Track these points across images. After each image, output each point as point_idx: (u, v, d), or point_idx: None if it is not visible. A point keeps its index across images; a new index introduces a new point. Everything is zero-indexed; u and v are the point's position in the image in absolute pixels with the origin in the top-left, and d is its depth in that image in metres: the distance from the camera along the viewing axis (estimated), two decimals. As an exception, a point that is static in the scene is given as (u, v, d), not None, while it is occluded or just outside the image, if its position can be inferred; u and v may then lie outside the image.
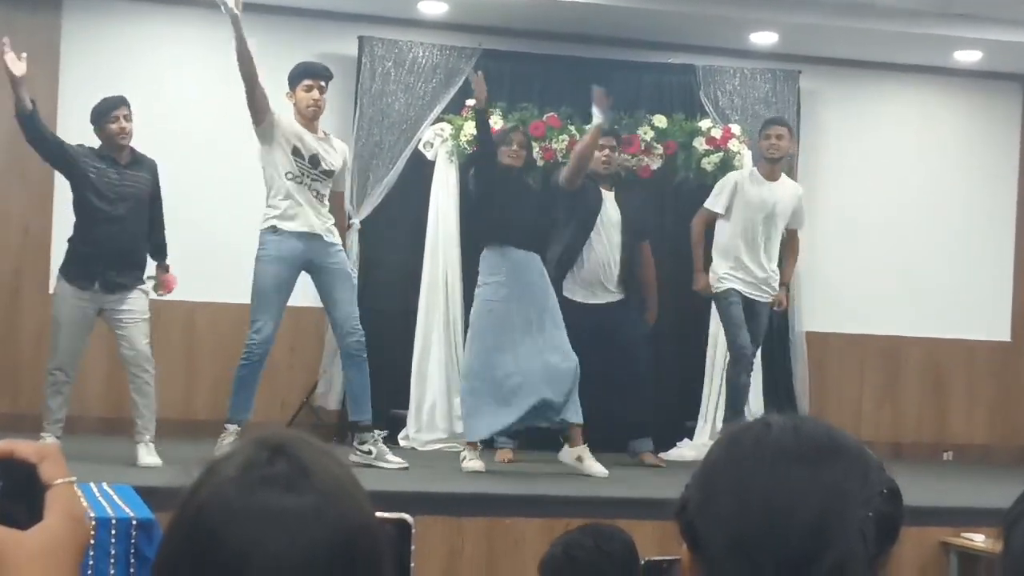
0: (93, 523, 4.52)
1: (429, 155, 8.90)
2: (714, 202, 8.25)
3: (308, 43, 8.96)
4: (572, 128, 8.93)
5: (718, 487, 1.51)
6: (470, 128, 8.79)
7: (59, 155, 6.92)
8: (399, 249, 9.00)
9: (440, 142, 8.87)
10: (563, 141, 8.89)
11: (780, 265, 8.30)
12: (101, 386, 8.58)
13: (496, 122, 8.83)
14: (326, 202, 7.15)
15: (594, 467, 7.39)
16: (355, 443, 7.21)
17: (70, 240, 6.98)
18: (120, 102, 6.98)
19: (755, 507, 1.46)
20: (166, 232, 7.16)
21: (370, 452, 7.11)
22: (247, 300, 7.70)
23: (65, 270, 6.93)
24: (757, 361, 8.90)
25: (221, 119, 8.19)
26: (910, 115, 10.09)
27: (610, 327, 7.95)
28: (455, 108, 8.97)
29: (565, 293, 7.95)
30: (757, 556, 1.44)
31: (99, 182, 6.87)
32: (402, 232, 9.03)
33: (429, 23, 9.16)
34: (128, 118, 6.95)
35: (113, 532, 4.72)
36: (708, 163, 9.13)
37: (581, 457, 7.41)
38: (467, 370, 7.50)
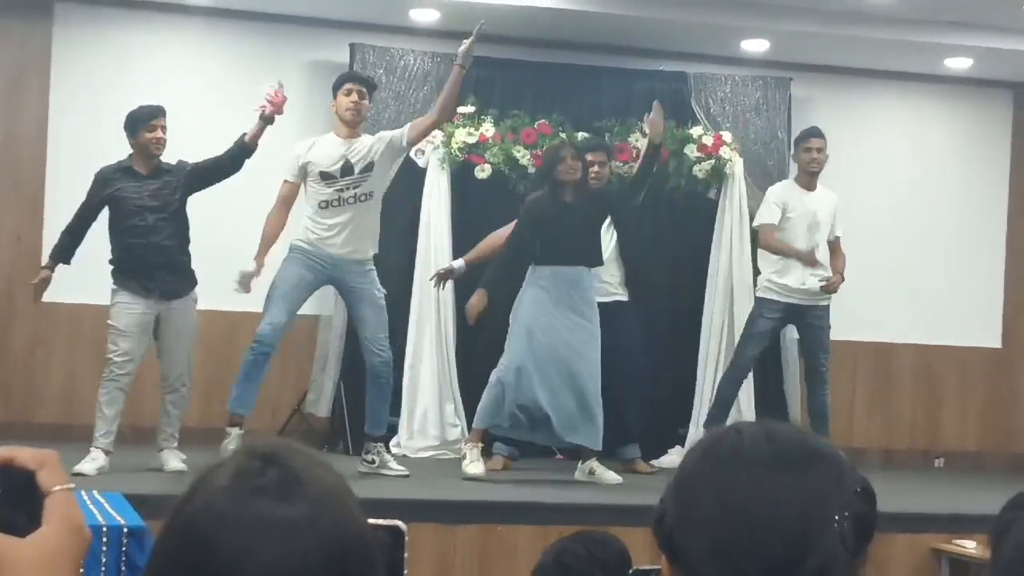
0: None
1: (420, 162, 8.90)
2: (768, 214, 8.35)
3: (300, 50, 8.98)
4: (563, 135, 8.93)
5: (696, 497, 1.51)
6: (461, 135, 8.80)
7: (94, 214, 7.01)
8: (390, 256, 8.98)
9: (431, 149, 8.86)
10: (555, 148, 8.89)
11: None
12: (92, 395, 8.55)
13: (487, 129, 8.84)
14: (375, 199, 7.32)
15: (607, 476, 7.41)
16: (362, 453, 7.33)
17: (112, 261, 6.99)
18: (159, 111, 7.04)
19: (736, 515, 1.46)
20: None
21: (373, 462, 7.21)
22: (241, 307, 7.72)
23: (120, 282, 6.96)
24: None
25: (214, 126, 8.17)
26: (901, 122, 10.11)
27: (607, 328, 7.90)
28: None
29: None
30: (740, 563, 1.45)
31: (122, 199, 6.92)
32: (393, 239, 9.01)
33: (421, 30, 9.16)
34: (164, 129, 7.02)
35: (104, 540, 4.71)
36: (700, 170, 9.14)
37: (592, 470, 7.41)
38: (503, 367, 7.36)
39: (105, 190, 6.97)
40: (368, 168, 7.24)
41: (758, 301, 8.38)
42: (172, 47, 8.95)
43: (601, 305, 7.85)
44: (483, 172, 8.84)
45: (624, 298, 8.30)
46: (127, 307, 6.91)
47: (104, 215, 7.00)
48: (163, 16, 8.93)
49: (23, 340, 8.65)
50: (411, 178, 8.92)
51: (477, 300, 7.50)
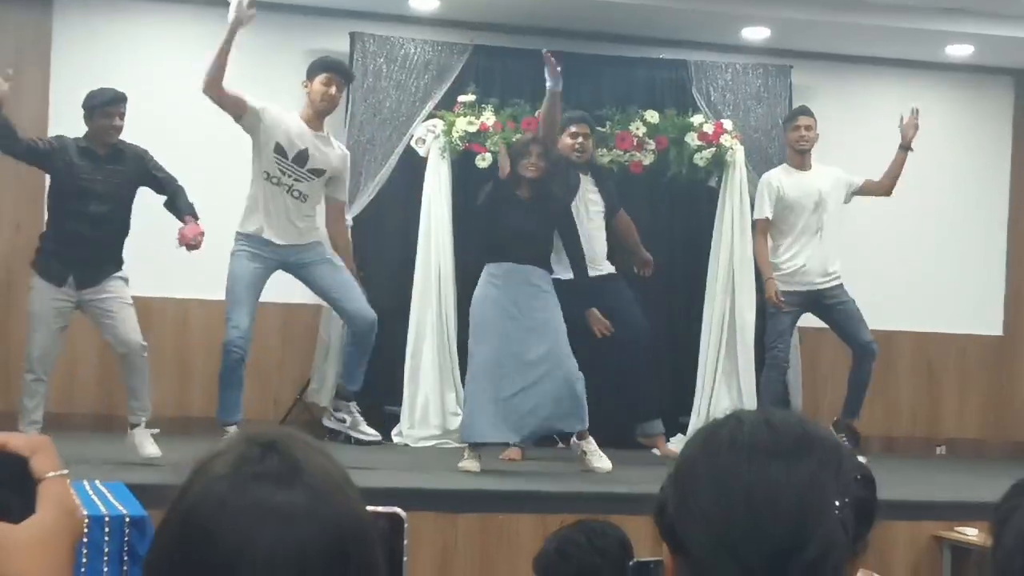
0: (86, 517, 4.52)
1: (421, 152, 8.89)
2: (760, 209, 8.38)
3: (299, 39, 8.96)
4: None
5: (696, 485, 1.51)
6: (462, 124, 8.79)
7: (30, 156, 6.86)
8: (391, 246, 9.00)
9: (432, 138, 8.86)
10: (555, 137, 8.89)
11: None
12: (92, 382, 8.58)
13: (488, 118, 8.83)
14: (310, 203, 7.08)
15: (596, 462, 7.35)
16: (331, 409, 7.19)
17: (41, 237, 6.91)
18: (118, 99, 6.88)
19: (736, 503, 1.47)
20: (183, 200, 6.99)
21: (344, 420, 7.11)
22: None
23: (37, 265, 6.85)
24: (749, 358, 8.91)
25: (212, 116, 8.14)
26: (902, 110, 10.08)
27: (606, 302, 7.84)
28: (447, 104, 8.96)
29: (555, 275, 7.91)
30: (742, 551, 1.45)
31: (73, 177, 6.76)
32: (394, 229, 9.02)
33: (421, 19, 9.15)
34: (122, 116, 6.87)
35: (106, 530, 4.72)
36: (700, 158, 9.12)
37: (585, 451, 7.37)
38: (472, 372, 7.33)
39: (61, 152, 6.78)
40: (317, 173, 7.07)
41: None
42: (172, 36, 8.94)
43: (594, 279, 7.79)
44: (484, 161, 8.83)
45: (612, 270, 8.27)
46: (47, 299, 6.76)
47: (44, 182, 6.81)
48: (163, 5, 8.93)
49: (23, 329, 8.63)
50: (412, 167, 8.92)
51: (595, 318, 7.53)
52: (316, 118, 7.09)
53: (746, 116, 9.41)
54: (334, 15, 9.04)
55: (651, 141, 9.08)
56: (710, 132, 9.16)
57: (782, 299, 8.18)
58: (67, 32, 8.81)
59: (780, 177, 8.39)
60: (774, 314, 8.30)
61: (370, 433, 7.17)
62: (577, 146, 8.02)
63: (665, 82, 9.47)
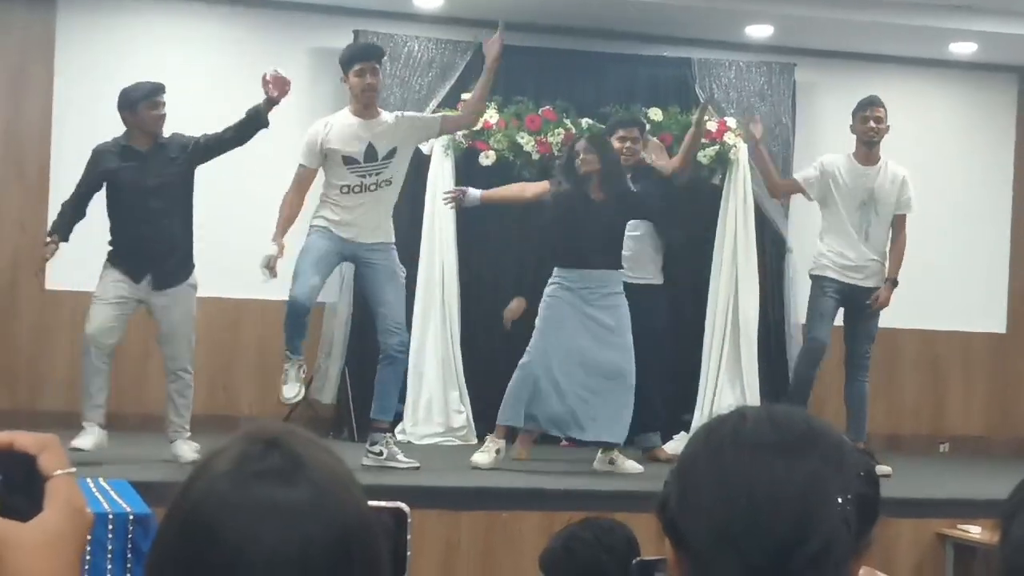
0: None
1: (424, 149, 8.88)
2: (802, 174, 8.27)
3: (303, 37, 8.97)
4: (568, 121, 8.93)
5: (699, 481, 1.51)
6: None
7: (91, 192, 6.84)
8: (395, 242, 8.99)
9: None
10: (559, 135, 8.89)
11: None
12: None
13: (492, 116, 8.83)
14: (394, 187, 7.09)
15: (627, 465, 7.33)
16: (367, 444, 7.02)
17: (111, 242, 6.83)
18: (160, 88, 6.86)
19: (738, 498, 1.47)
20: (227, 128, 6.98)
21: (381, 453, 6.92)
22: (244, 295, 7.70)
23: (115, 262, 6.79)
24: (752, 355, 8.91)
25: (218, 114, 8.15)
26: (906, 107, 10.07)
27: (639, 311, 7.81)
28: (451, 102, 8.95)
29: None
30: (743, 546, 1.45)
31: (121, 181, 6.73)
32: (398, 226, 8.98)
33: (424, 17, 9.15)
34: (164, 105, 6.85)
35: (110, 527, 4.72)
36: (704, 156, 9.12)
37: (613, 460, 7.34)
38: (524, 361, 7.28)
39: (101, 167, 6.77)
40: (391, 154, 7.01)
41: (816, 280, 8.14)
42: (175, 34, 8.94)
43: (635, 287, 7.78)
44: (487, 159, 8.83)
45: (659, 281, 8.23)
46: (112, 282, 6.74)
47: (102, 194, 6.80)
48: (166, 3, 8.93)
49: (27, 328, 8.66)
50: (415, 165, 8.87)
51: (516, 306, 7.47)
52: (365, 109, 7.03)
53: (750, 114, 9.40)
54: (338, 13, 9.04)
55: (655, 139, 9.07)
56: (714, 130, 9.16)
57: (812, 271, 8.11)
58: (71, 31, 8.82)
59: (838, 163, 8.14)
60: (817, 296, 8.09)
61: (408, 463, 6.97)
62: (625, 150, 7.88)
63: (669, 80, 9.47)
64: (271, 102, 6.80)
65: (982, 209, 10.20)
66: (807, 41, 9.60)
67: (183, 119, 8.62)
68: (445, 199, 7.81)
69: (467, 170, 8.88)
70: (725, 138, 9.15)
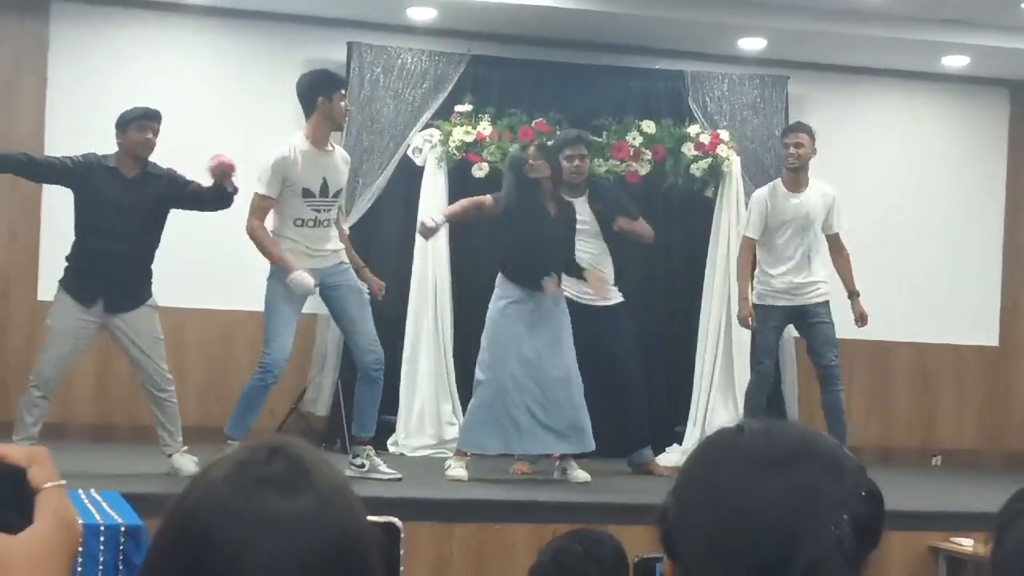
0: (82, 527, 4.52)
1: (418, 161, 8.90)
2: (749, 228, 8.23)
3: (297, 49, 8.96)
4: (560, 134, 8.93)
5: (691, 494, 1.51)
6: (459, 134, 8.79)
7: (51, 177, 6.78)
8: (388, 255, 8.99)
9: (429, 148, 8.86)
10: (552, 147, 8.89)
11: (841, 275, 8.20)
12: (89, 393, 8.56)
13: (485, 128, 8.84)
14: (335, 225, 6.99)
15: (577, 474, 7.35)
16: (350, 457, 7.05)
17: (68, 257, 6.74)
18: (154, 115, 6.77)
19: (726, 512, 1.45)
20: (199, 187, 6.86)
21: (363, 466, 6.95)
22: (236, 307, 7.70)
23: (66, 281, 6.69)
24: (745, 367, 8.91)
25: (209, 126, 8.19)
26: (898, 120, 10.11)
27: (601, 332, 7.90)
28: (444, 114, 8.96)
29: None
30: (730, 561, 1.44)
31: (99, 195, 6.63)
32: (391, 238, 9.02)
33: (418, 29, 9.16)
34: (155, 133, 6.74)
35: (101, 539, 4.71)
36: (696, 168, 9.13)
37: (565, 468, 7.40)
38: (477, 384, 7.33)
39: (84, 171, 6.64)
40: (338, 194, 6.96)
41: (757, 309, 8.20)
42: (168, 45, 8.94)
43: (594, 309, 7.83)
44: (481, 171, 8.83)
45: (620, 299, 8.24)
46: (64, 309, 6.63)
47: (58, 203, 6.75)
48: (159, 14, 8.92)
49: (19, 339, 8.64)
50: (408, 177, 8.93)
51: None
52: (326, 139, 6.91)
53: (743, 126, 9.42)
54: (332, 25, 9.04)
55: (647, 151, 9.08)
56: (706, 142, 9.16)
57: (753, 324, 8.13)
58: (63, 41, 8.81)
59: (767, 197, 8.18)
60: (759, 331, 8.19)
61: (389, 474, 6.99)
62: (574, 169, 7.90)
63: (662, 92, 9.48)
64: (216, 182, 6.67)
65: (974, 222, 10.22)
66: (800, 54, 9.62)
67: (176, 132, 8.64)
68: (422, 234, 7.70)
69: (460, 182, 8.87)
70: (718, 151, 9.15)
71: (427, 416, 8.65)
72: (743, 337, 8.94)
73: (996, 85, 10.21)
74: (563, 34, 9.25)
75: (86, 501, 5.15)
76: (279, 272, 6.73)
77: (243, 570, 1.22)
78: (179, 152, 8.42)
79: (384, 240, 9.01)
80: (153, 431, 6.94)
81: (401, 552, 1.63)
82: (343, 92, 6.95)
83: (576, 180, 7.93)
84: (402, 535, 1.67)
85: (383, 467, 7.04)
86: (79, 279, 6.65)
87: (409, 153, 8.91)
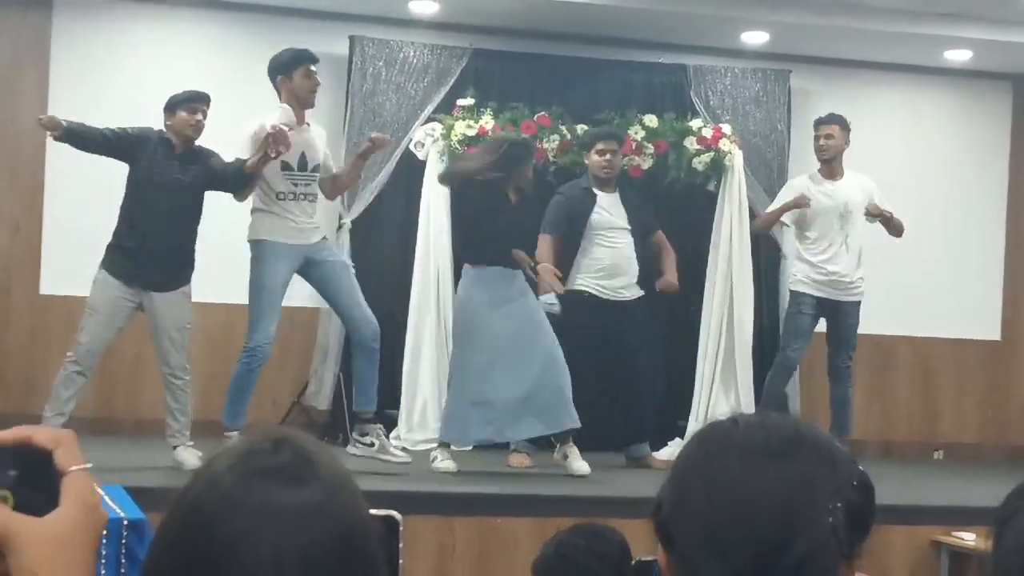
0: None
1: (420, 155, 8.89)
2: (774, 202, 8.40)
3: (299, 43, 8.87)
4: (563, 127, 8.93)
5: (688, 485, 1.52)
6: (461, 128, 8.79)
7: (106, 150, 6.75)
8: (390, 249, 9.00)
9: (431, 142, 8.86)
10: (554, 140, 8.89)
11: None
12: (92, 386, 8.54)
13: (487, 121, 8.83)
14: (315, 201, 7.03)
15: (577, 465, 7.32)
16: (355, 435, 6.98)
17: (115, 232, 6.75)
18: (204, 97, 6.83)
19: (723, 502, 1.47)
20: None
21: (372, 444, 6.89)
22: (237, 300, 7.67)
23: (107, 262, 6.71)
24: (747, 361, 8.91)
25: (211, 119, 8.15)
26: (900, 114, 10.11)
27: (621, 328, 7.90)
28: (446, 108, 8.96)
29: (579, 286, 7.94)
30: (727, 550, 1.45)
31: (151, 170, 6.69)
32: (393, 232, 9.03)
33: (420, 23, 9.16)
34: (205, 115, 6.81)
35: (104, 532, 4.71)
36: (699, 162, 9.12)
37: (567, 454, 7.37)
38: (454, 376, 7.33)
39: (139, 141, 6.70)
40: (316, 169, 6.97)
41: (793, 295, 8.31)
42: (170, 38, 8.94)
43: (616, 303, 7.83)
44: (482, 164, 8.82)
45: (635, 295, 8.20)
46: (103, 287, 6.66)
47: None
48: (162, 7, 8.93)
49: (21, 331, 8.65)
50: (410, 170, 8.92)
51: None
52: (300, 113, 6.94)
53: (745, 120, 9.41)
54: (333, 19, 9.04)
55: (650, 145, 9.08)
56: (709, 136, 9.16)
57: (790, 287, 8.25)
58: (66, 34, 8.81)
59: (805, 185, 8.30)
60: (792, 314, 8.26)
61: (400, 456, 6.93)
62: (605, 164, 7.96)
63: (664, 86, 9.48)
64: (267, 156, 6.62)
65: (976, 216, 10.22)
66: (802, 48, 9.62)
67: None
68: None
69: (462, 176, 8.87)
70: (720, 145, 9.15)
71: (429, 410, 8.64)
72: (745, 331, 8.94)
73: (998, 79, 10.20)
74: (565, 28, 9.25)
75: (88, 494, 5.15)
76: (263, 254, 6.82)
77: (246, 561, 1.22)
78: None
79: (386, 234, 9.02)
80: (156, 424, 6.95)
81: (400, 545, 1.63)
82: (307, 68, 6.91)
83: (607, 175, 8.02)
84: (401, 528, 1.67)
85: (393, 448, 6.99)
86: (122, 258, 6.69)
87: (411, 147, 8.91)
